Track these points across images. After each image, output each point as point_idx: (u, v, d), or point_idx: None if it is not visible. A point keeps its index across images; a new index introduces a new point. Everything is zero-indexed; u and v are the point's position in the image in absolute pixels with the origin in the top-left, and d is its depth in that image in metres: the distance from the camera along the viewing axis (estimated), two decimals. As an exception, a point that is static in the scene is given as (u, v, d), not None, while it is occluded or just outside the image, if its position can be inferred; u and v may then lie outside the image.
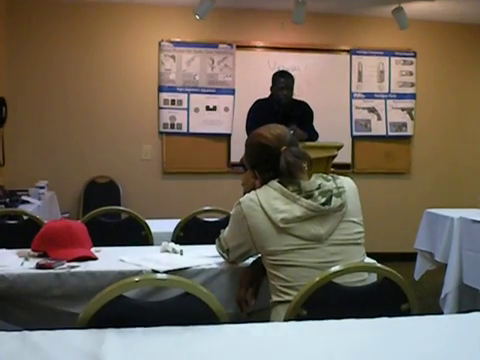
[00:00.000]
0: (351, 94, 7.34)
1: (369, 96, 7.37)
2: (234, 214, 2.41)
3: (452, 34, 7.56)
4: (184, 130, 6.98)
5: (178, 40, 6.94)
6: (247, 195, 2.37)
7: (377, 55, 7.40)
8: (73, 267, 2.46)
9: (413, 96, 7.47)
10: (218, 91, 7.04)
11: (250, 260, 2.53)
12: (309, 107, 5.24)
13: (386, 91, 7.41)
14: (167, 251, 2.83)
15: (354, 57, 7.35)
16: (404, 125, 7.46)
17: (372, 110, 7.37)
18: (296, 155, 2.36)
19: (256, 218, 2.28)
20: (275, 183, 2.33)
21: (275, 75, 5.23)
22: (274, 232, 2.25)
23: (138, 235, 3.64)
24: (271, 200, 2.28)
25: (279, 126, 2.51)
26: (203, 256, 2.71)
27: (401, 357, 1.55)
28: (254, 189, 2.41)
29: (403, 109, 7.45)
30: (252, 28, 7.11)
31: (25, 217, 3.80)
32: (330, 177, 2.40)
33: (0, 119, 6.14)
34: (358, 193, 2.43)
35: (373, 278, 2.35)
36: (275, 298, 2.28)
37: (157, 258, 2.67)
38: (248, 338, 1.71)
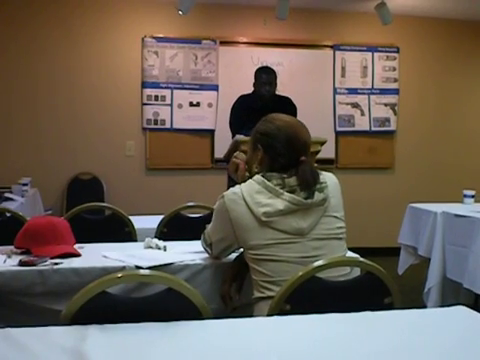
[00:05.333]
0: (334, 90, 7.36)
1: (352, 91, 7.39)
2: (217, 207, 2.41)
3: (435, 29, 7.60)
4: (168, 126, 6.96)
5: (161, 36, 6.92)
6: (231, 189, 2.37)
7: (360, 51, 7.42)
8: (56, 264, 2.45)
9: (396, 91, 7.50)
10: (201, 87, 7.02)
11: (234, 255, 2.53)
12: (292, 103, 5.23)
13: (369, 86, 7.44)
14: (150, 247, 2.83)
15: (337, 53, 7.36)
16: (387, 120, 7.49)
17: (355, 105, 7.39)
18: (311, 169, 2.36)
19: (238, 211, 2.29)
20: (259, 177, 2.33)
21: (257, 71, 5.24)
22: (256, 226, 2.25)
23: (121, 231, 3.63)
24: (254, 194, 2.28)
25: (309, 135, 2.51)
26: (186, 252, 2.70)
27: (384, 351, 1.56)
28: (237, 170, 2.45)
29: (386, 104, 7.48)
30: (235, 24, 7.10)
31: (8, 214, 3.77)
32: (313, 172, 2.40)
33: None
34: (340, 188, 2.44)
35: (356, 272, 2.35)
36: (257, 294, 2.29)
37: (140, 254, 2.66)
38: (231, 333, 1.71)
